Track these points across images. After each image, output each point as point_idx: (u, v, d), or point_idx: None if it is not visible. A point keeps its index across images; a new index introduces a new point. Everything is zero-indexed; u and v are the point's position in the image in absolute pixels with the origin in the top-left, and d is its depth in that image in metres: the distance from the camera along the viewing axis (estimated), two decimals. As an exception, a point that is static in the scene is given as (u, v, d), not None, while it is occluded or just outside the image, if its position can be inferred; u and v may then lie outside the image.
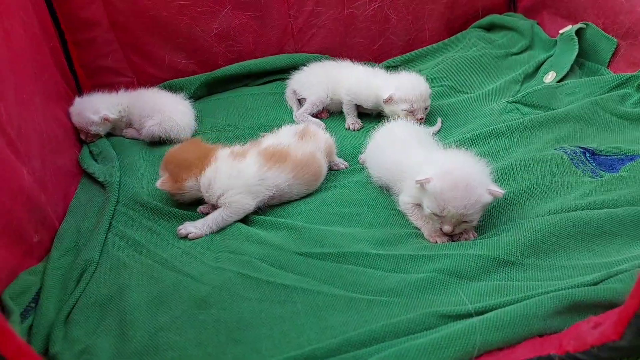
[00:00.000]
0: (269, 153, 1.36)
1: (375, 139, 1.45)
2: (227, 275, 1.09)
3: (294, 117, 1.84)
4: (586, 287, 0.89)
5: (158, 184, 1.35)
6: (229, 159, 1.34)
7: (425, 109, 1.68)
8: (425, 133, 1.49)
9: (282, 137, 1.48)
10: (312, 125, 1.59)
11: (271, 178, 1.33)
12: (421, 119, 1.65)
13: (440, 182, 1.10)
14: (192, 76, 2.02)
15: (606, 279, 0.91)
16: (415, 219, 1.24)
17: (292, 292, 1.03)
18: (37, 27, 1.65)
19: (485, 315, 0.85)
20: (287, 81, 1.96)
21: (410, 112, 1.64)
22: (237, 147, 1.40)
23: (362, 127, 1.77)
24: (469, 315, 0.88)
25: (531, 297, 0.89)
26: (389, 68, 2.11)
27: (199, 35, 1.97)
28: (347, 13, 2.06)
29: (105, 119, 1.77)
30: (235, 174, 1.31)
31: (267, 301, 1.02)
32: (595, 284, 0.90)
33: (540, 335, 0.83)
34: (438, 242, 1.17)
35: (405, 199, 1.27)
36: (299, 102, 1.91)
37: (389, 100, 1.65)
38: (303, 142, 1.45)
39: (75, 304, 1.10)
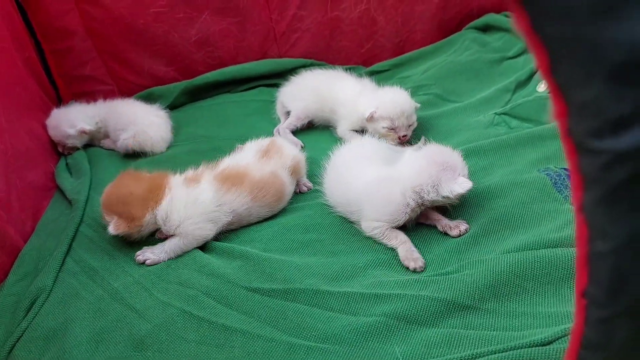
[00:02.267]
0: (224, 176, 1.30)
1: (332, 162, 1.37)
2: (170, 312, 1.05)
3: (274, 130, 1.77)
4: (537, 348, 0.81)
5: (111, 229, 1.22)
6: (184, 186, 1.28)
7: (410, 125, 1.58)
8: (393, 151, 1.40)
9: (243, 155, 1.42)
10: (278, 139, 1.53)
11: (228, 202, 1.28)
12: (404, 136, 1.55)
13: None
14: (172, 84, 1.97)
15: (562, 337, 0.83)
16: (388, 240, 1.18)
17: (232, 334, 0.98)
18: (7, 40, 1.62)
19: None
20: (277, 93, 1.88)
21: (392, 130, 1.56)
22: (191, 173, 1.34)
23: None
24: (402, 376, 0.82)
25: (477, 357, 0.82)
26: (377, 73, 2.03)
27: (177, 42, 1.92)
28: (331, 16, 1.97)
29: (82, 132, 1.74)
30: (192, 202, 1.25)
31: (205, 344, 0.97)
32: (549, 342, 0.82)
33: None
34: (411, 267, 1.10)
35: (372, 224, 1.19)
36: (288, 114, 1.83)
37: (370, 119, 1.56)
38: (264, 160, 1.38)
39: (21, 336, 1.08)
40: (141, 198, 1.24)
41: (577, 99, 0.38)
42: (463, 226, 1.19)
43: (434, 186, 1.15)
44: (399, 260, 1.14)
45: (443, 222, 1.21)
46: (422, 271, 1.10)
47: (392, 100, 1.56)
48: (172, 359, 0.95)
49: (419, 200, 1.16)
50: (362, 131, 1.63)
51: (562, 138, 0.41)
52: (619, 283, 0.43)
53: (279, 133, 1.74)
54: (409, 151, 1.26)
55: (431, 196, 1.15)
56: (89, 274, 1.23)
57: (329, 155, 1.40)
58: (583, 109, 0.38)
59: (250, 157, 1.37)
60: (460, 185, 1.14)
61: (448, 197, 1.15)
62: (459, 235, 1.17)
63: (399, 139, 1.55)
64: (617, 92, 0.36)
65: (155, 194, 1.25)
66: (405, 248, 1.14)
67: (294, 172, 1.42)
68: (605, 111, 0.37)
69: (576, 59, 0.37)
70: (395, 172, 1.21)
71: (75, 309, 1.13)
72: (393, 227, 1.19)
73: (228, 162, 1.36)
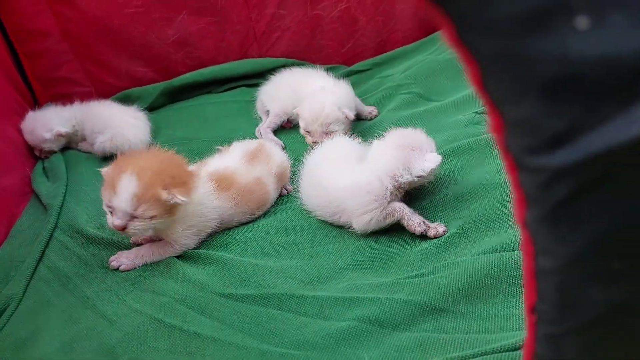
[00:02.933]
0: (217, 179, 1.27)
1: (306, 167, 1.36)
2: (141, 320, 1.03)
3: (256, 131, 1.75)
4: (507, 353, 0.80)
5: (181, 197, 1.07)
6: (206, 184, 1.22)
7: (327, 133, 1.54)
8: (365, 148, 1.38)
9: (230, 157, 1.39)
10: (268, 144, 1.50)
11: (217, 208, 1.25)
12: (315, 142, 1.53)
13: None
14: (151, 85, 1.94)
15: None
16: (392, 219, 1.18)
17: (204, 342, 0.96)
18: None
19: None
20: (257, 93, 1.87)
21: (307, 132, 1.56)
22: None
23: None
24: (371, 383, 0.81)
25: (447, 361, 0.81)
26: (358, 72, 2.02)
27: (155, 43, 1.89)
28: (311, 15, 1.95)
29: (59, 135, 1.71)
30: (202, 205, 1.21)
31: (176, 352, 0.96)
32: (521, 346, 0.82)
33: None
34: (419, 232, 1.16)
35: (364, 218, 1.18)
36: (268, 113, 1.82)
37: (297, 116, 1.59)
38: (251, 164, 1.36)
39: (-11, 347, 1.06)
40: (184, 178, 1.14)
41: (511, 115, 0.37)
42: (441, 228, 1.19)
43: (405, 168, 1.18)
44: (376, 261, 1.14)
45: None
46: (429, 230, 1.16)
47: (311, 106, 1.55)
48: (142, 368, 0.94)
49: (396, 184, 1.19)
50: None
51: (501, 152, 0.40)
52: (566, 301, 0.42)
53: (260, 134, 1.72)
54: (375, 143, 1.27)
55: (406, 178, 1.18)
56: (62, 281, 1.21)
57: (304, 161, 1.39)
58: (518, 126, 0.37)
59: (236, 160, 1.34)
60: (430, 161, 1.19)
61: (422, 176, 1.19)
62: (435, 237, 1.17)
63: (312, 143, 1.53)
64: (550, 108, 0.35)
65: (191, 180, 1.15)
66: (407, 218, 1.17)
67: (280, 178, 1.40)
68: (540, 128, 0.35)
69: (507, 74, 0.35)
70: (367, 164, 1.23)
71: (46, 318, 1.11)
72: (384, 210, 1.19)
73: (215, 164, 1.33)
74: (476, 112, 1.63)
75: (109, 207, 1.11)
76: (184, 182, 1.13)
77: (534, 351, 0.46)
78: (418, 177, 1.18)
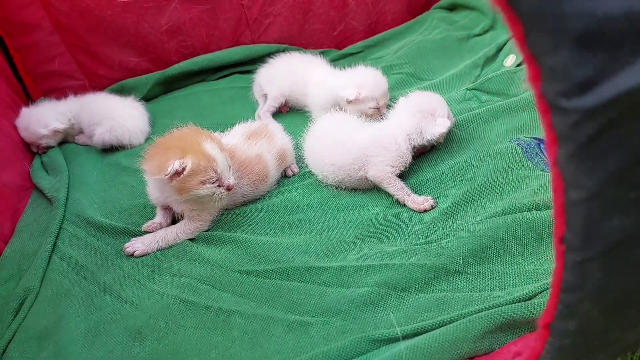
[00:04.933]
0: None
1: (312, 140, 1.42)
2: (165, 301, 1.06)
3: (256, 115, 1.78)
4: (520, 304, 0.86)
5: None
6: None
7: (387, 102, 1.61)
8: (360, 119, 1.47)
9: (232, 137, 1.43)
10: (272, 126, 1.54)
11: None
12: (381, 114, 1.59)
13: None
14: (145, 75, 1.94)
15: (543, 292, 0.89)
16: (398, 189, 1.27)
17: (230, 316, 1.00)
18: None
19: (414, 341, 0.83)
20: (254, 76, 1.89)
21: (377, 109, 1.58)
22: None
23: None
24: (397, 339, 0.86)
25: (465, 316, 0.87)
26: (350, 55, 2.05)
27: (148, 32, 1.89)
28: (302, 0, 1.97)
29: (56, 131, 1.70)
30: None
31: (204, 328, 0.99)
32: (530, 297, 0.88)
33: (471, 358, 0.82)
34: (427, 207, 1.23)
35: (384, 169, 1.28)
36: (266, 97, 1.84)
37: (354, 101, 1.57)
38: (251, 142, 1.40)
39: (13, 337, 1.07)
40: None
41: (547, 64, 0.43)
42: (428, 202, 1.25)
43: (418, 133, 1.31)
44: (387, 231, 1.19)
45: None
46: (436, 206, 1.24)
47: (375, 81, 1.57)
48: (173, 345, 0.97)
49: (410, 146, 1.32)
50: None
51: (536, 99, 0.45)
52: (591, 229, 0.48)
53: (259, 118, 1.75)
54: (400, 100, 1.40)
55: (418, 142, 1.32)
56: (77, 270, 1.23)
57: (306, 134, 1.45)
58: (553, 73, 0.43)
59: (238, 138, 1.39)
60: (439, 126, 1.31)
61: (432, 140, 1.32)
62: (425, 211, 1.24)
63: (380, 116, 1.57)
64: (581, 57, 0.41)
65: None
66: (412, 198, 1.26)
67: (282, 158, 1.44)
68: (572, 74, 0.42)
69: (545, 29, 0.42)
70: (388, 123, 1.36)
71: (66, 306, 1.12)
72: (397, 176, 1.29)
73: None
74: (467, 88, 1.69)
75: (213, 178, 1.17)
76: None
77: (562, 279, 0.52)
78: (429, 140, 1.32)
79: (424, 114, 1.32)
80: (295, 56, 1.83)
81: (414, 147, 1.33)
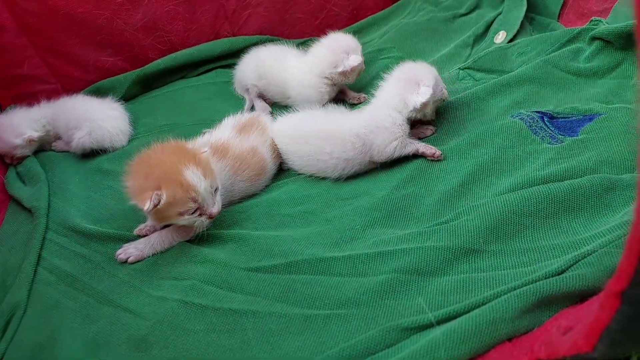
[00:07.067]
0: (215, 149, 1.24)
1: (295, 141, 1.34)
2: (169, 306, 0.99)
3: (245, 108, 1.71)
4: (553, 278, 0.82)
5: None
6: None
7: None
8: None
9: (222, 131, 1.36)
10: (263, 117, 1.47)
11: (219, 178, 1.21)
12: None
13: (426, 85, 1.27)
14: (122, 75, 1.84)
15: (574, 264, 0.84)
16: (411, 148, 1.25)
17: (242, 317, 0.93)
18: None
19: (449, 326, 0.78)
20: (233, 71, 1.81)
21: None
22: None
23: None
24: (430, 325, 0.81)
25: (497, 296, 0.82)
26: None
27: (123, 29, 1.79)
28: (282, -12, 1.91)
29: (31, 140, 1.59)
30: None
31: (214, 332, 0.92)
32: (563, 271, 0.84)
33: (510, 340, 0.77)
34: (436, 155, 1.24)
35: (390, 145, 1.24)
36: (248, 90, 1.77)
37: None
38: (244, 135, 1.33)
39: (3, 357, 0.98)
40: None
41: None
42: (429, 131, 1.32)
43: (403, 103, 1.25)
44: (395, 215, 1.14)
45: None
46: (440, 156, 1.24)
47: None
48: (181, 352, 0.89)
49: (403, 116, 1.26)
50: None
51: None
52: None
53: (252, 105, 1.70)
54: (384, 77, 1.34)
55: (405, 112, 1.26)
56: (67, 282, 1.14)
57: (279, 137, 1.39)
58: None
59: (229, 132, 1.32)
60: (420, 94, 1.24)
61: (416, 109, 1.25)
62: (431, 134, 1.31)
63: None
64: None
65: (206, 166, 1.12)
66: (422, 145, 1.25)
67: (276, 149, 1.38)
68: None
69: None
70: (376, 102, 1.30)
71: (59, 320, 1.04)
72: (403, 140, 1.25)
73: (211, 137, 1.30)
74: (459, 68, 1.65)
75: (192, 208, 1.09)
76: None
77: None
78: (413, 109, 1.25)
79: (407, 81, 1.26)
80: (264, 49, 1.76)
81: (408, 118, 1.27)
